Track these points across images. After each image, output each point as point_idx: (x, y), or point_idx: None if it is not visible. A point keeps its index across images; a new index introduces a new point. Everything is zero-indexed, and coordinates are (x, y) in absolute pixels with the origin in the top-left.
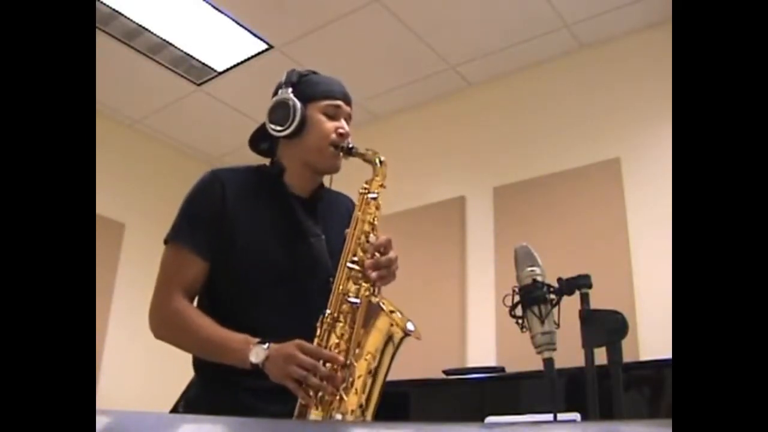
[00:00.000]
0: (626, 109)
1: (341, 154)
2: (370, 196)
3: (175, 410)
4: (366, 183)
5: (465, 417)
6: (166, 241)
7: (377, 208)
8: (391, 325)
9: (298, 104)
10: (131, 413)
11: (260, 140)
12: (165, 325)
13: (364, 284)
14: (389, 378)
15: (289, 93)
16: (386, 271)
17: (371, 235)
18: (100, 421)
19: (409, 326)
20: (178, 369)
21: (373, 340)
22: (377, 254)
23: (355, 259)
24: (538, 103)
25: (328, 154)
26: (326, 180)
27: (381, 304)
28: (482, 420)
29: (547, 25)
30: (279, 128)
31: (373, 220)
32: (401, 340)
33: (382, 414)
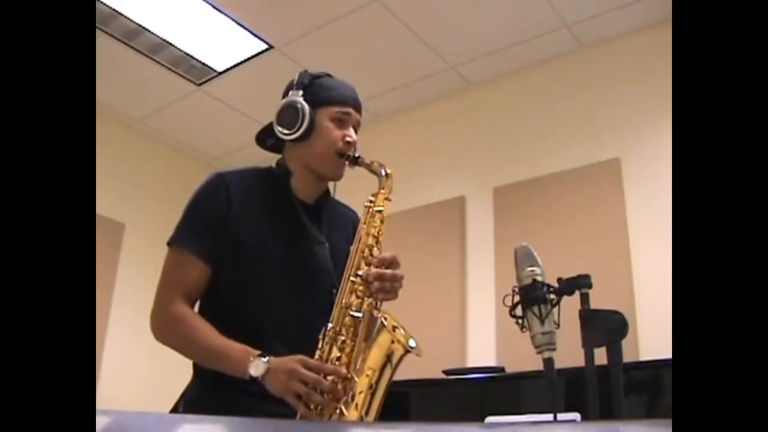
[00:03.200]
0: (626, 109)
1: (346, 162)
2: (375, 209)
3: (174, 411)
4: (372, 196)
5: (465, 417)
6: (169, 244)
7: (382, 221)
8: (392, 341)
9: (307, 109)
10: (131, 413)
11: (267, 137)
12: (165, 330)
13: (367, 298)
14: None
15: (299, 96)
16: (389, 285)
17: (375, 248)
18: (100, 421)
19: (411, 343)
20: (178, 369)
21: (374, 356)
22: (382, 267)
23: (359, 272)
24: (538, 103)
25: (332, 161)
26: (330, 186)
27: (383, 319)
28: (482, 420)
29: (547, 25)
30: (287, 131)
31: (378, 233)
32: (402, 356)
33: (382, 414)
